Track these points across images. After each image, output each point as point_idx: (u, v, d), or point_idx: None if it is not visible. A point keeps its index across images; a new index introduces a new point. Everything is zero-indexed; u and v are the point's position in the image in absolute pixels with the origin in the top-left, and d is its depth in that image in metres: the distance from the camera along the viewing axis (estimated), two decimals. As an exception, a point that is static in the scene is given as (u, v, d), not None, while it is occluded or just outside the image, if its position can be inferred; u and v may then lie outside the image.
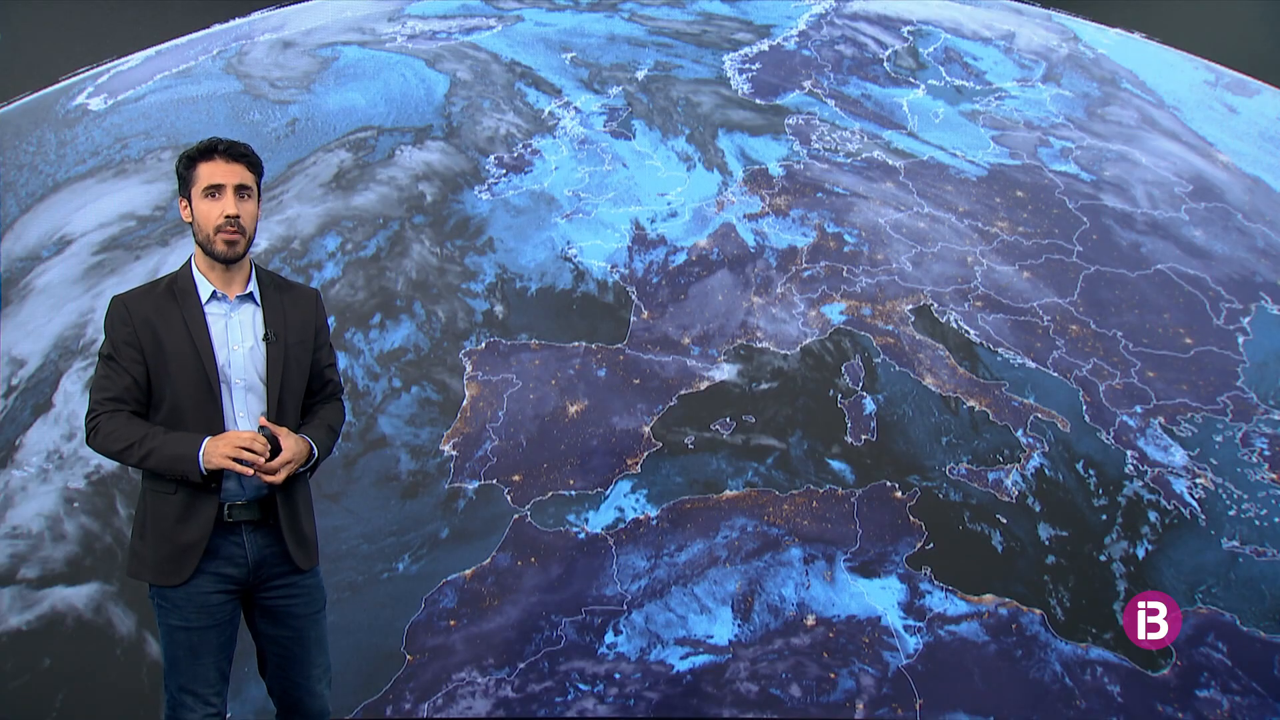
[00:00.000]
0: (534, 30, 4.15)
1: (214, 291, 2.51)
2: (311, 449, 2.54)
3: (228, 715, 2.60)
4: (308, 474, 2.61)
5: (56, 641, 3.88)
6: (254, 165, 2.53)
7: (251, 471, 2.40)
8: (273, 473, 2.44)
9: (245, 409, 2.50)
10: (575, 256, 4.12)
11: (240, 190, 2.48)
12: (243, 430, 2.46)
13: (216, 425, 2.47)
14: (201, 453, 2.39)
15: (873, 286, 4.15)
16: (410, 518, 4.00)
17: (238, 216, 2.46)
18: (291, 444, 2.47)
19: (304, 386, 2.62)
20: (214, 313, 2.50)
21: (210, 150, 2.48)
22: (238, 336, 2.50)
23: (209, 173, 2.46)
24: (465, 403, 4.03)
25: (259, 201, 2.57)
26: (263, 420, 2.46)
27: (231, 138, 2.55)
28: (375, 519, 3.99)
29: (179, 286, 2.50)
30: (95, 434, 2.47)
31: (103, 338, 2.52)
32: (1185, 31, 4.25)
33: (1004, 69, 4.24)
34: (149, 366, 2.46)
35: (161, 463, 2.41)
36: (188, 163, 2.49)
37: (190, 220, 2.51)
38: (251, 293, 2.55)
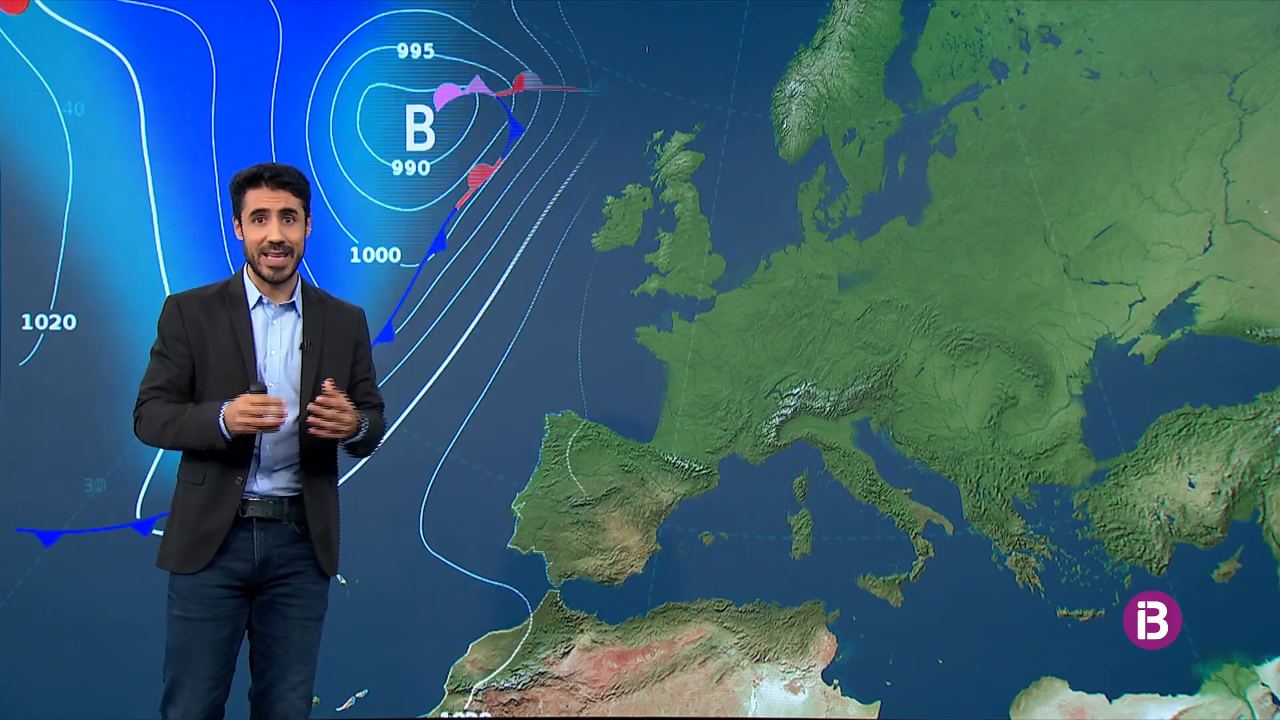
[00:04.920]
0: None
1: (260, 298, 2.66)
2: (360, 420, 2.62)
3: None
4: (353, 448, 2.71)
5: (58, 641, 3.89)
6: (299, 190, 2.66)
7: (273, 424, 2.46)
8: (339, 422, 2.52)
9: None
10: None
11: (285, 214, 2.62)
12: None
13: None
14: (222, 418, 2.48)
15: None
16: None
17: (281, 242, 2.60)
18: (347, 404, 2.56)
19: None
20: (257, 317, 2.66)
21: (257, 177, 2.62)
22: (275, 342, 2.65)
23: (255, 199, 2.61)
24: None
25: (307, 222, 2.72)
26: (328, 384, 2.52)
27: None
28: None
29: (229, 292, 2.67)
30: (139, 421, 2.62)
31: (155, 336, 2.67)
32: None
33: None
34: (194, 362, 2.61)
35: (191, 436, 2.53)
36: (237, 188, 2.65)
37: (242, 239, 2.66)
38: (294, 302, 2.69)
